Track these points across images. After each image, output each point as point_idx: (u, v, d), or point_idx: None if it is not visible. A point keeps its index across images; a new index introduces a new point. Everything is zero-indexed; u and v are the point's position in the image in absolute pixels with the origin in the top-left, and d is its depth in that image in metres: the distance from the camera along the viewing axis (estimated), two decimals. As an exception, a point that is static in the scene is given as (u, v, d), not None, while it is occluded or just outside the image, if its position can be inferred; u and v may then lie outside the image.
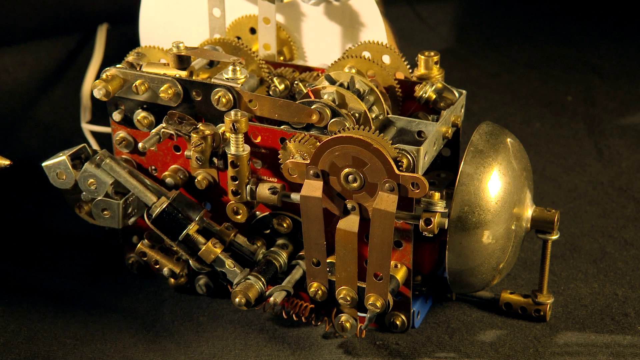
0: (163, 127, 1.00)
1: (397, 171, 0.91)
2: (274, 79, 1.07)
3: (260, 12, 1.12)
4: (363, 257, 0.98)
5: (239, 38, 1.13)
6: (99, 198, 1.00)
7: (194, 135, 0.97)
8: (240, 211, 1.00)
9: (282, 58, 1.16)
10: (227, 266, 0.99)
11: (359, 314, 1.00)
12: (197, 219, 0.99)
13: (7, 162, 1.03)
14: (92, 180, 1.00)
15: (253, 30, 1.15)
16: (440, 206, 0.94)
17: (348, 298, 0.98)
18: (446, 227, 0.94)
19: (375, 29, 1.12)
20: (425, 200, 0.94)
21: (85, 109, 1.41)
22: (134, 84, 1.00)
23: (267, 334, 1.04)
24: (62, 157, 1.01)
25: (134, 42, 1.20)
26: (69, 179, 1.01)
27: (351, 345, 1.02)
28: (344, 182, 0.93)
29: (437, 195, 0.94)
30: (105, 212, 1.01)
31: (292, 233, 1.02)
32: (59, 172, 1.01)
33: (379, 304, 0.97)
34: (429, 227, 0.93)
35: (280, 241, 1.03)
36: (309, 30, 1.15)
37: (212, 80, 1.00)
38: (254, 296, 0.97)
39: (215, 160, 0.98)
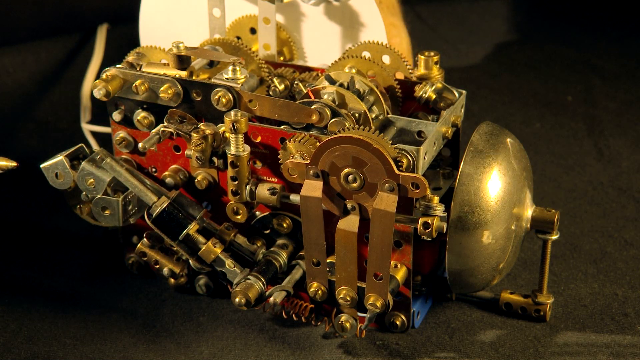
0: (163, 127, 1.00)
1: (397, 171, 0.91)
2: (274, 79, 1.07)
3: (260, 12, 1.12)
4: (363, 257, 0.98)
5: (238, 38, 1.13)
6: (99, 196, 1.00)
7: (195, 135, 0.97)
8: (240, 211, 1.00)
9: (282, 58, 1.16)
10: (227, 266, 0.99)
11: (359, 314, 1.00)
12: (197, 218, 0.99)
13: (13, 163, 1.03)
14: (90, 179, 1.00)
15: (253, 31, 1.15)
16: (439, 210, 0.93)
17: (348, 298, 0.98)
18: (445, 231, 0.94)
19: (375, 29, 1.12)
20: (423, 204, 0.93)
21: (85, 109, 1.41)
22: (134, 84, 1.00)
23: (267, 334, 1.04)
24: (60, 158, 1.01)
25: (134, 42, 1.20)
26: (67, 179, 1.01)
27: (351, 345, 1.02)
28: (344, 182, 0.93)
29: (436, 199, 0.94)
30: (105, 211, 1.01)
31: (292, 233, 1.02)
32: (58, 172, 1.01)
33: (378, 304, 0.97)
34: (427, 230, 0.93)
35: (280, 241, 1.03)
36: (309, 30, 1.15)
37: (212, 80, 1.00)
38: (254, 296, 0.97)
39: (215, 160, 0.98)
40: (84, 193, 1.02)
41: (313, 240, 0.96)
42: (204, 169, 1.02)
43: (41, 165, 1.01)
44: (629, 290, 1.09)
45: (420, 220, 0.93)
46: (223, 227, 1.01)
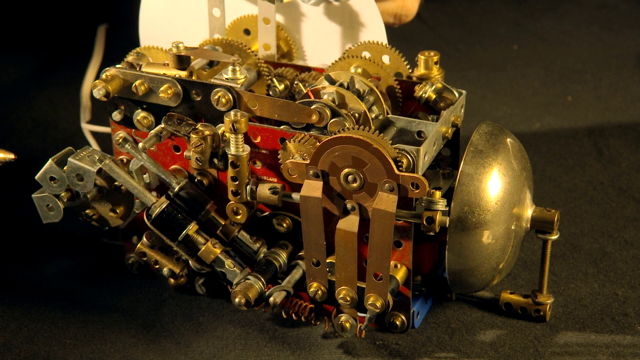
0: (163, 128, 1.00)
1: (396, 171, 0.91)
2: (274, 79, 1.07)
3: (260, 12, 1.12)
4: (363, 257, 0.98)
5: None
6: (69, 160, 0.99)
7: (194, 136, 0.97)
8: (240, 211, 1.00)
9: (278, 54, 1.16)
10: (226, 266, 0.99)
11: (359, 314, 1.00)
12: (202, 213, 0.99)
13: (11, 155, 1.03)
14: (78, 173, 0.99)
15: (247, 32, 1.15)
16: (441, 204, 0.94)
17: (348, 298, 0.98)
18: (447, 225, 0.94)
19: (375, 29, 1.12)
20: (426, 199, 0.94)
21: (85, 109, 1.41)
22: (133, 84, 1.00)
23: (267, 334, 1.04)
24: (49, 162, 1.00)
25: (134, 42, 1.20)
26: (61, 181, 1.00)
27: (351, 345, 1.02)
28: (344, 182, 0.93)
29: (438, 193, 0.94)
30: (81, 180, 1.00)
31: (291, 233, 1.02)
32: (51, 176, 1.01)
33: (378, 304, 0.97)
34: (431, 225, 0.93)
35: (280, 241, 1.03)
36: (309, 31, 1.15)
37: (212, 80, 1.00)
38: (254, 296, 0.97)
39: (215, 160, 0.98)
40: (82, 194, 1.02)
41: (313, 241, 0.96)
42: (204, 169, 1.02)
43: (35, 177, 1.01)
44: (629, 290, 1.09)
45: (424, 215, 0.93)
46: (228, 222, 1.01)
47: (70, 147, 1.02)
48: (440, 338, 1.03)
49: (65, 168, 1.00)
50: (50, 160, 1.00)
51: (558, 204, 1.25)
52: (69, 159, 0.99)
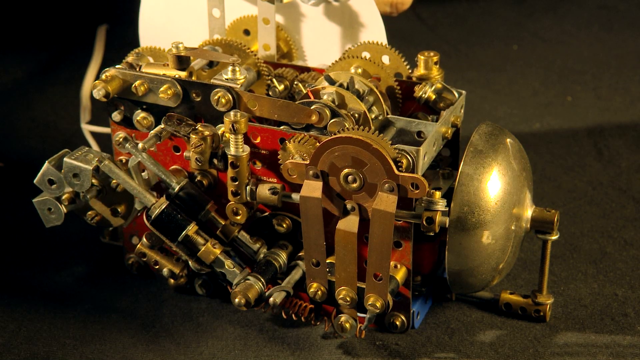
0: (162, 128, 1.00)
1: (396, 171, 0.91)
2: (274, 79, 1.07)
3: (259, 12, 1.12)
4: (363, 257, 0.98)
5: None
6: (66, 160, 0.99)
7: (193, 137, 0.97)
8: (240, 212, 1.00)
9: (278, 54, 1.16)
10: (226, 267, 0.99)
11: (359, 314, 1.00)
12: (202, 213, 0.99)
13: None
14: (75, 172, 0.99)
15: (247, 32, 1.15)
16: (441, 205, 0.94)
17: (348, 298, 0.98)
18: (447, 226, 0.94)
19: (375, 29, 1.12)
20: (426, 199, 0.94)
21: (85, 109, 1.41)
22: (133, 85, 1.00)
23: (267, 334, 1.04)
24: (45, 165, 1.00)
25: (134, 42, 1.20)
26: (60, 183, 1.00)
27: (351, 345, 1.02)
28: (344, 182, 0.93)
29: (437, 194, 0.94)
30: (74, 178, 0.99)
31: (291, 233, 1.02)
32: (49, 179, 1.01)
33: (378, 304, 0.97)
34: (430, 225, 0.93)
35: (280, 241, 1.03)
36: (309, 31, 1.15)
37: (212, 80, 1.00)
38: (254, 296, 0.97)
39: (215, 161, 0.98)
40: (82, 195, 1.02)
41: (313, 241, 0.96)
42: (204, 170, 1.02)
43: (34, 181, 1.01)
44: (629, 291, 1.09)
45: (424, 215, 0.93)
46: (228, 222, 1.01)
47: (67, 149, 1.02)
48: (440, 338, 1.03)
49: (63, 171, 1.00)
50: (46, 163, 1.00)
51: (558, 204, 1.25)
52: (65, 158, 0.99)
